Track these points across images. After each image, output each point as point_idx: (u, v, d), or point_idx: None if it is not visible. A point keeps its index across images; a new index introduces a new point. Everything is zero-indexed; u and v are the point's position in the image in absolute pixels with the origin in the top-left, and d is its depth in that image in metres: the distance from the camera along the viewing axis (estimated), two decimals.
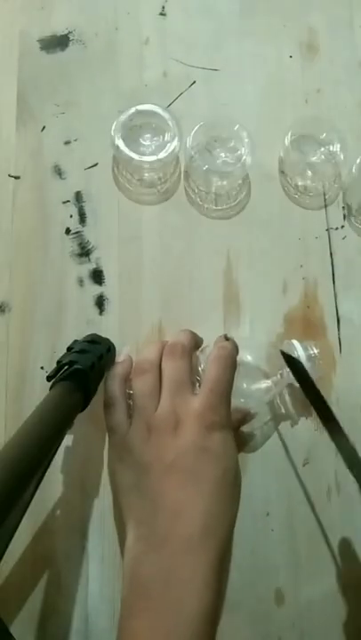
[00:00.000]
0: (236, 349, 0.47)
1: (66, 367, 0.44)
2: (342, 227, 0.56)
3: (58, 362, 0.45)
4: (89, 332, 0.51)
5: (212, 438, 0.42)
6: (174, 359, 0.46)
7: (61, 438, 0.43)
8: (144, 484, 0.42)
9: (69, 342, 0.49)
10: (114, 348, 0.51)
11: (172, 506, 0.40)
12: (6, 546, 0.40)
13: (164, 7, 0.61)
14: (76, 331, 0.52)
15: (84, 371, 0.43)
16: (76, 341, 0.49)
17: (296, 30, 0.61)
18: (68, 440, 0.50)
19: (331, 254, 0.56)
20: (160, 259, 0.54)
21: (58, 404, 0.41)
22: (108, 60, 0.59)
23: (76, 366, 0.43)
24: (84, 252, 0.54)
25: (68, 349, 0.48)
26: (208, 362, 0.45)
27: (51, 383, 0.44)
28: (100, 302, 0.53)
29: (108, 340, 0.51)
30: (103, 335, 0.51)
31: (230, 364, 0.45)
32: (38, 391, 0.50)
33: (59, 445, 0.44)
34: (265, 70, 0.60)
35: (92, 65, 0.59)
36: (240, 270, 0.55)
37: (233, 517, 0.42)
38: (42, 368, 0.51)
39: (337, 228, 0.56)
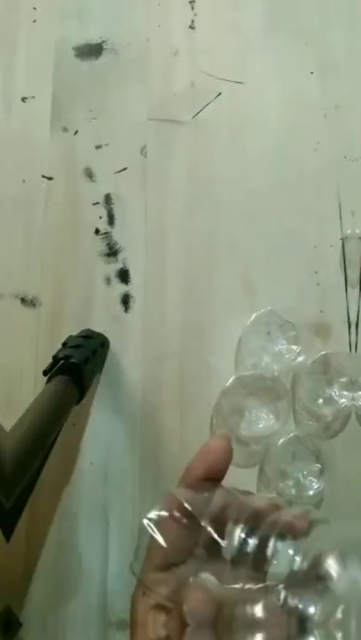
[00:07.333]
0: None
1: (61, 361, 0.46)
2: (359, 238, 0.59)
3: (53, 357, 0.47)
4: (115, 328, 0.54)
5: None
6: None
7: (58, 429, 0.45)
8: None
9: None
10: (108, 343, 0.54)
11: None
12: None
13: (193, 21, 0.63)
14: (102, 326, 0.55)
15: (79, 365, 0.45)
16: (70, 337, 0.51)
17: (317, 47, 0.64)
18: (92, 429, 0.53)
19: (344, 262, 0.58)
20: (183, 260, 0.57)
21: (53, 397, 0.43)
22: (138, 69, 0.61)
23: (71, 360, 0.45)
24: (112, 252, 0.57)
25: (64, 344, 0.50)
26: None
27: (47, 377, 0.46)
28: (125, 300, 0.56)
29: (102, 334, 0.53)
30: (129, 332, 0.54)
31: None
32: None
33: (56, 436, 0.46)
34: (287, 85, 0.63)
35: (124, 73, 0.61)
36: (258, 274, 0.57)
37: None
38: None
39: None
